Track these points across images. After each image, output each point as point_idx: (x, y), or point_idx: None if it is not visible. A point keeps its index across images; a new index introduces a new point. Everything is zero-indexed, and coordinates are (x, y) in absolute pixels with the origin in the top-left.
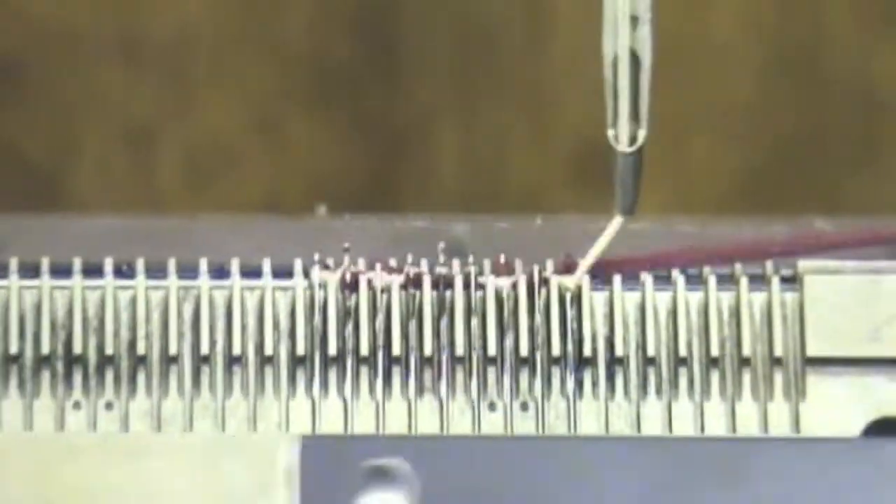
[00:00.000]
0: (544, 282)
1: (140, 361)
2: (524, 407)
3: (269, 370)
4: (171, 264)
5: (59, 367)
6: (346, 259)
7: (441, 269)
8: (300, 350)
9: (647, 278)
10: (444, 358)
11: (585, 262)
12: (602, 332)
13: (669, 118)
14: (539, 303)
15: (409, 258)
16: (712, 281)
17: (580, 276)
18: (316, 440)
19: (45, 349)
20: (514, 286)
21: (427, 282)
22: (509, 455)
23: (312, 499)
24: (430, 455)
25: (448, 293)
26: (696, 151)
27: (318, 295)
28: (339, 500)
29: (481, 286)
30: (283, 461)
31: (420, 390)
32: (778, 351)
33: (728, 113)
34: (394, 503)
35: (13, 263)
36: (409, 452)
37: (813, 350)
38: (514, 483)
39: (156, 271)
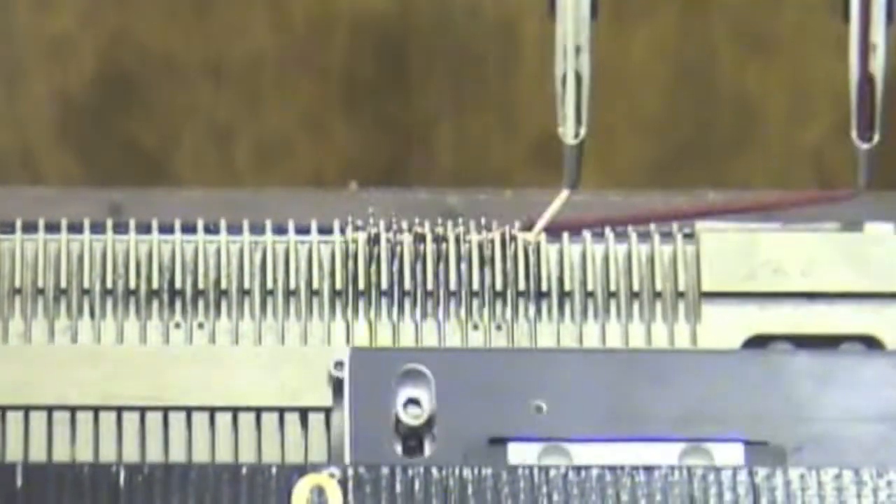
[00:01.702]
0: (513, 238)
1: (223, 294)
2: (499, 328)
3: (315, 300)
4: (245, 224)
5: (165, 298)
6: (371, 221)
7: (439, 229)
8: (338, 286)
9: (586, 235)
10: (441, 292)
11: (541, 223)
12: (555, 273)
13: (601, 120)
14: (509, 252)
15: (416, 220)
16: (634, 237)
17: (537, 233)
18: (360, 351)
19: (155, 285)
20: (492, 241)
21: (429, 237)
22: (490, 361)
23: (358, 394)
24: (437, 361)
25: (444, 245)
26: (621, 145)
27: (351, 247)
28: (379, 395)
29: (468, 241)
30: (329, 367)
31: (424, 315)
32: (681, 287)
33: (643, 116)
34: (423, 396)
35: (131, 223)
36: (422, 360)
37: (706, 286)
38: (491, 381)
39: (234, 229)
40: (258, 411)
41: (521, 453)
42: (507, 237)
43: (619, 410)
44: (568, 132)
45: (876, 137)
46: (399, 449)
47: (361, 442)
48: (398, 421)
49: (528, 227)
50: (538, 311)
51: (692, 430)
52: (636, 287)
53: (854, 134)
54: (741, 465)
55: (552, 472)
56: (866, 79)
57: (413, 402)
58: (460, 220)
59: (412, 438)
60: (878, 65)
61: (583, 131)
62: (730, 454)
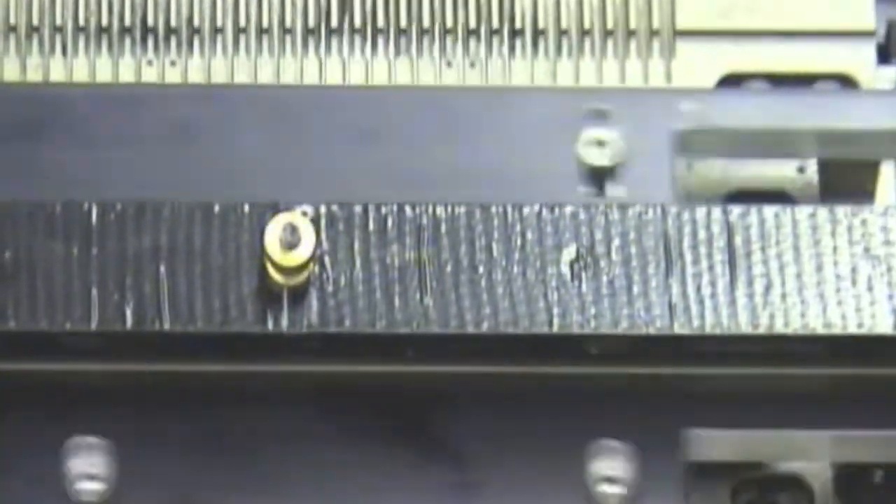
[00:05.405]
0: None
1: (195, 31)
2: (472, 65)
3: (288, 38)
4: None
5: (138, 35)
6: None
7: None
8: (311, 24)
9: None
10: (414, 29)
11: None
12: (528, 11)
13: None
14: None
15: None
16: None
17: None
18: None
19: (127, 22)
20: None
21: None
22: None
23: None
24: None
25: None
26: None
27: None
28: None
29: None
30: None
31: (398, 53)
32: (656, 25)
33: None
34: None
35: None
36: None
37: (681, 24)
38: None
39: None
40: None
41: None
42: None
43: None
44: None
45: None
46: None
47: None
48: None
49: None
50: (512, 48)
51: None
52: (610, 25)
53: None
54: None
55: (525, 211)
56: None
57: None
58: None
59: None
60: None
61: None
62: None
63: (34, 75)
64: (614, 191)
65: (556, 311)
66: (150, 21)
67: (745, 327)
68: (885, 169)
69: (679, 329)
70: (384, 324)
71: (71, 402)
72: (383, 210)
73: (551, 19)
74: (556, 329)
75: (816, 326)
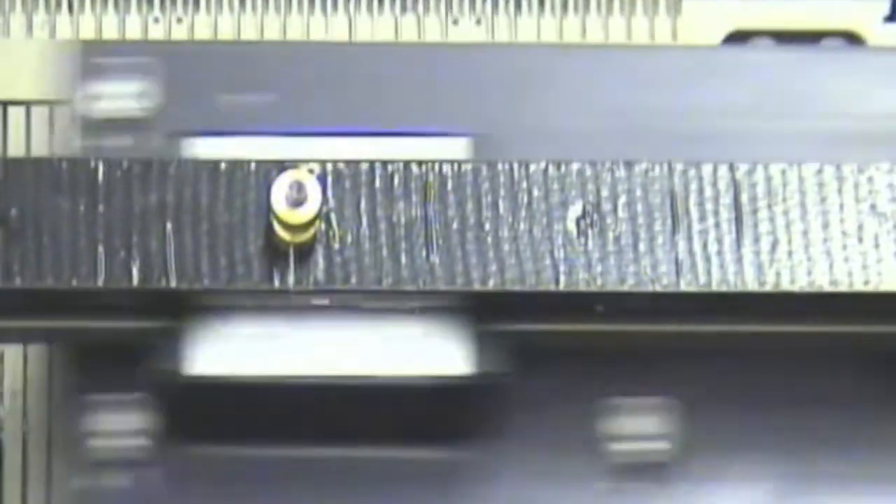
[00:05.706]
0: None
1: None
2: (479, 22)
3: None
4: None
5: None
6: None
7: None
8: None
9: None
10: None
11: None
12: None
13: None
14: None
15: None
16: None
17: None
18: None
19: None
20: None
21: None
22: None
23: None
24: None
25: None
26: None
27: None
28: None
29: None
30: None
31: (403, 10)
32: None
33: None
34: None
35: None
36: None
37: None
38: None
39: None
40: None
41: None
42: None
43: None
44: None
45: None
46: None
47: None
48: None
49: None
50: (518, 5)
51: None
52: None
53: None
54: (722, 160)
55: (532, 168)
56: None
57: None
58: None
59: None
60: None
61: None
62: None
63: (40, 33)
64: None
65: (562, 268)
66: None
67: (751, 284)
68: None
69: (685, 286)
70: (390, 281)
71: (608, 361)
72: (390, 168)
73: None
74: (562, 286)
75: (823, 284)
